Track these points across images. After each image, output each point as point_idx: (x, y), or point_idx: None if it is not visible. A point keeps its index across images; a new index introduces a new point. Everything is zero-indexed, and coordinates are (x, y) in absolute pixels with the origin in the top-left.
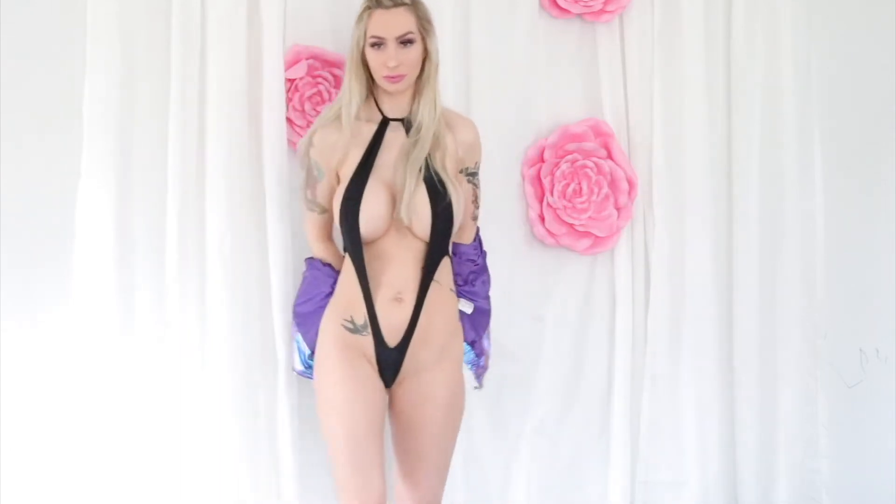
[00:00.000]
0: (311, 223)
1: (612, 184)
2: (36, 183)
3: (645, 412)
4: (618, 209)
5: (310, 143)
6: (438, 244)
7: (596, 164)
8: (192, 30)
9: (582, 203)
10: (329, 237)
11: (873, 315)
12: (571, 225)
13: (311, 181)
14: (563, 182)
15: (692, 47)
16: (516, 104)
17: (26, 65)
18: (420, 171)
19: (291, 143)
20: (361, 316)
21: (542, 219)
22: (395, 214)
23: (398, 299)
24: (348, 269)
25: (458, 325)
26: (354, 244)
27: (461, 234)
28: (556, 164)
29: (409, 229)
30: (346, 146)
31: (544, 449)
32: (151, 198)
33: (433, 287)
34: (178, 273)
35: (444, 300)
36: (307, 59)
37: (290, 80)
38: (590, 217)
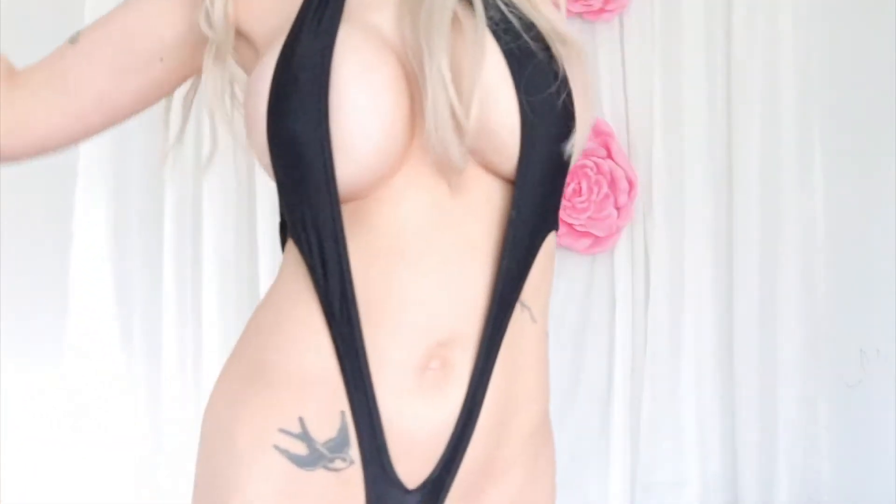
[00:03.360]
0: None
1: (612, 184)
2: (34, 183)
3: (645, 412)
4: (618, 209)
5: None
6: (537, 197)
7: (595, 163)
8: None
9: (581, 203)
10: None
11: (874, 315)
12: (571, 225)
13: None
14: None
15: (692, 47)
16: None
17: (23, 64)
18: (452, 8)
19: None
20: (332, 416)
21: None
22: (420, 119)
23: (440, 361)
24: (290, 284)
25: (549, 420)
26: (314, 201)
27: None
28: None
29: (472, 152)
30: None
31: None
32: (148, 198)
33: (517, 319)
34: (174, 274)
35: (535, 363)
36: None
37: None
38: (589, 217)
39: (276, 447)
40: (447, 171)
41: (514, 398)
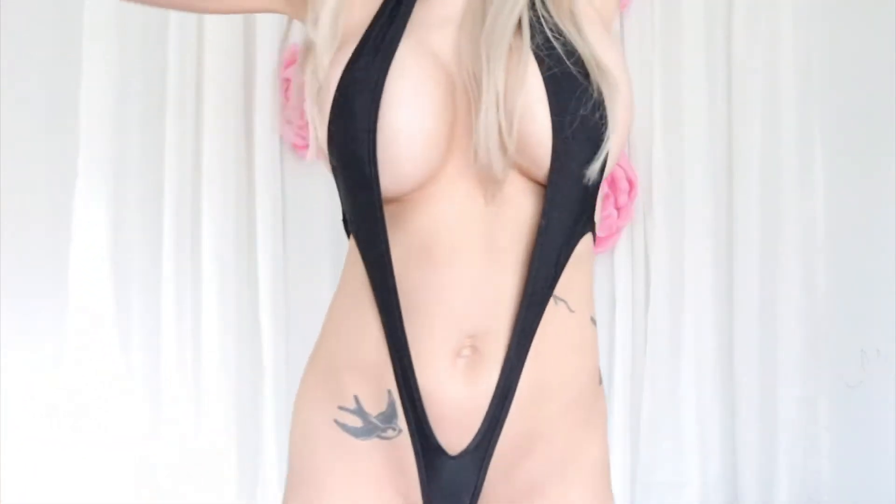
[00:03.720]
0: None
1: (612, 184)
2: (33, 182)
3: (645, 412)
4: (618, 209)
5: None
6: (566, 208)
7: None
8: (189, 29)
9: None
10: None
11: (874, 315)
12: None
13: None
14: None
15: (692, 47)
16: None
17: (23, 64)
18: (518, 31)
19: (296, 147)
20: (381, 394)
21: None
22: (461, 138)
23: (471, 350)
24: (351, 275)
25: (598, 393)
26: (363, 207)
27: None
28: None
29: (511, 165)
30: None
31: None
32: (148, 196)
33: (551, 311)
34: (174, 273)
35: (575, 347)
36: None
37: (289, 80)
38: None
39: (336, 422)
40: (488, 182)
41: (551, 377)
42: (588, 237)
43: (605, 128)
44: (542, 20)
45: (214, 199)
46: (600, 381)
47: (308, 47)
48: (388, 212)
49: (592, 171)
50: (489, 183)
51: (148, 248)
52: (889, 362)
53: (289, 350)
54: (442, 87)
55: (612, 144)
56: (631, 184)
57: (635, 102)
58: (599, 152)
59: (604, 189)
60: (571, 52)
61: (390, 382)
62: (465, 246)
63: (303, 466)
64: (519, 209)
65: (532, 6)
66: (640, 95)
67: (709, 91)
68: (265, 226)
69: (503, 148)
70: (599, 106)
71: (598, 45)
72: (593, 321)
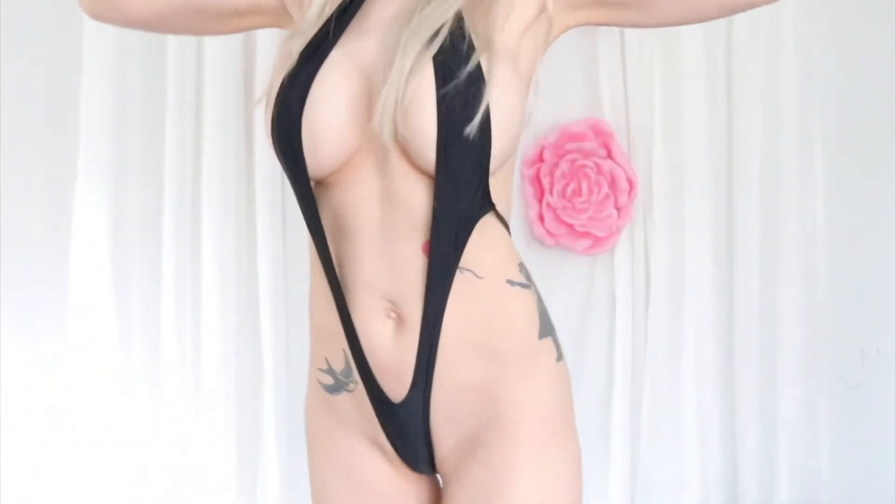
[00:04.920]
0: None
1: (612, 184)
2: (33, 182)
3: (645, 412)
4: (618, 209)
5: None
6: (457, 190)
7: (596, 163)
8: None
9: (582, 203)
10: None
11: (874, 315)
12: (571, 225)
13: None
14: (563, 182)
15: (692, 47)
16: None
17: (23, 64)
18: (429, 40)
19: None
20: (339, 353)
21: (542, 219)
22: (372, 125)
23: (393, 313)
24: (312, 254)
25: (540, 347)
26: (299, 189)
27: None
28: (556, 164)
29: (402, 148)
30: None
31: None
32: (148, 196)
33: (459, 281)
34: (174, 273)
35: (492, 308)
36: None
37: None
38: (589, 217)
39: (318, 381)
40: (386, 161)
41: (473, 337)
42: (489, 218)
43: (488, 133)
44: (461, 28)
45: (214, 199)
46: (543, 336)
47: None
48: (317, 191)
49: (488, 163)
50: (385, 163)
51: (148, 247)
52: (889, 362)
53: (289, 350)
54: (356, 88)
55: (495, 147)
56: (631, 184)
57: (634, 102)
58: (488, 152)
59: (604, 189)
60: (468, 56)
61: (344, 343)
62: (369, 223)
63: (309, 425)
64: (418, 191)
65: (459, 24)
66: (640, 95)
67: (709, 91)
68: (265, 226)
69: (395, 117)
70: (477, 87)
71: (508, 55)
72: (512, 283)
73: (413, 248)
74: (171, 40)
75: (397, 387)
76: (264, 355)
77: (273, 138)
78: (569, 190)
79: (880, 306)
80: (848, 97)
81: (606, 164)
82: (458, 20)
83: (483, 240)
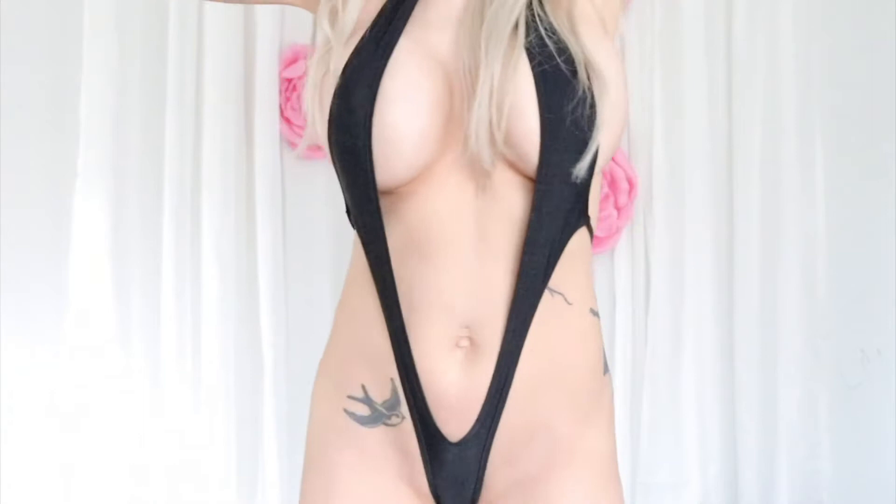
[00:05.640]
0: None
1: (612, 184)
2: (33, 182)
3: (645, 412)
4: (618, 209)
5: None
6: (561, 196)
7: None
8: (189, 29)
9: None
10: None
11: (875, 315)
12: None
13: None
14: None
15: (692, 47)
16: None
17: (23, 64)
18: (514, 30)
19: (291, 144)
20: (385, 382)
21: None
22: (454, 134)
23: (468, 341)
24: (356, 266)
25: (604, 383)
26: (361, 199)
27: None
28: None
29: (500, 157)
30: None
31: None
32: (148, 196)
33: (547, 304)
34: (173, 273)
35: (574, 338)
36: (305, 58)
37: (289, 80)
38: None
39: (346, 410)
40: (478, 174)
41: (550, 371)
42: (582, 232)
43: (594, 125)
44: (539, 19)
45: (214, 199)
46: (605, 371)
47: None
48: (384, 204)
49: (581, 168)
50: (479, 175)
51: (148, 247)
52: (889, 362)
53: (289, 350)
54: (438, 83)
55: (602, 142)
56: (631, 184)
57: (634, 102)
58: (587, 149)
59: (604, 189)
60: (563, 49)
61: (393, 371)
62: (456, 238)
63: (315, 455)
64: (510, 203)
65: (530, 5)
66: (640, 95)
67: (709, 91)
68: (265, 226)
69: (492, 139)
70: (588, 104)
71: (591, 45)
72: (594, 313)
73: (506, 267)
74: (172, 40)
75: (457, 424)
76: (264, 354)
77: (332, 142)
78: None
79: (880, 306)
80: (848, 97)
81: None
82: (536, 7)
83: (575, 258)
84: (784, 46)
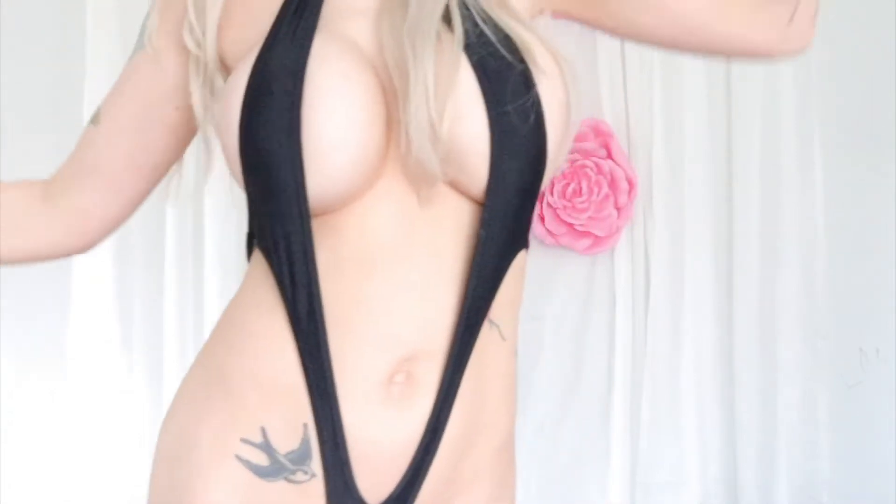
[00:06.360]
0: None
1: (612, 184)
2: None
3: (645, 412)
4: (618, 209)
5: None
6: (507, 217)
7: (596, 163)
8: None
9: (582, 203)
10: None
11: (874, 315)
12: (571, 225)
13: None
14: (563, 182)
15: None
16: None
17: (26, 63)
18: (443, 24)
19: None
20: (294, 427)
21: (542, 218)
22: (394, 138)
23: (405, 376)
24: (262, 289)
25: (513, 447)
26: (282, 211)
27: None
28: None
29: (444, 171)
30: None
31: (544, 449)
32: (150, 197)
33: (485, 337)
34: (176, 273)
35: (503, 383)
36: None
37: None
38: (590, 217)
39: (238, 457)
40: (421, 181)
41: (480, 414)
42: (523, 254)
43: (544, 125)
44: (469, 7)
45: (217, 200)
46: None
47: (192, 60)
48: (315, 222)
49: (534, 176)
50: (423, 183)
51: (150, 248)
52: (889, 362)
53: None
54: (368, 77)
55: (552, 145)
56: (631, 184)
57: (634, 102)
58: (541, 154)
59: (604, 189)
60: (504, 38)
61: (306, 415)
62: (402, 259)
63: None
64: (459, 218)
65: None
66: (640, 95)
67: (709, 91)
68: None
69: (435, 142)
70: (537, 101)
71: (533, 32)
72: (516, 355)
73: (452, 289)
74: None
75: (381, 483)
76: None
77: (243, 152)
78: (569, 190)
79: (880, 306)
80: (848, 97)
81: (606, 164)
82: None
83: (515, 282)
84: None
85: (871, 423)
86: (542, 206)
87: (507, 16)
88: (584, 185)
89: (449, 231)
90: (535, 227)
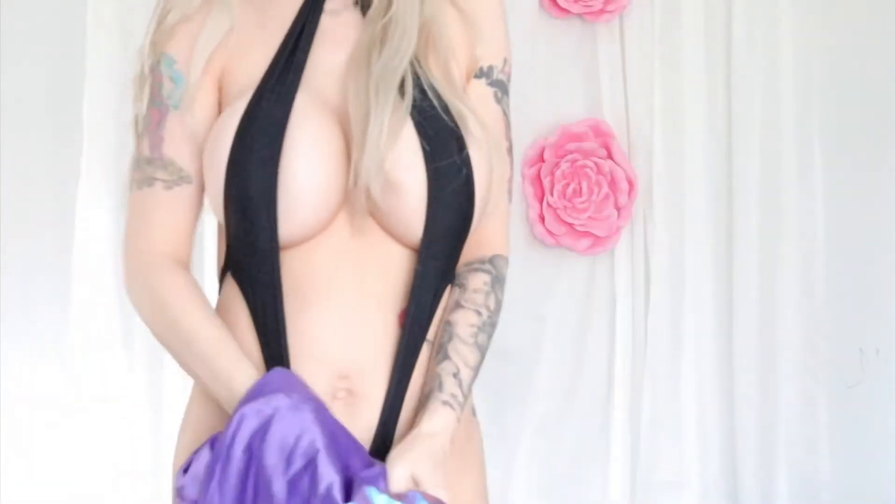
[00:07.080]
0: (148, 216)
1: (612, 184)
2: (36, 183)
3: (645, 412)
4: (618, 209)
5: (155, 30)
6: (439, 256)
7: (596, 164)
8: None
9: (582, 203)
10: (187, 259)
11: (873, 315)
12: (571, 225)
13: (151, 116)
14: (563, 182)
15: (692, 47)
16: (516, 104)
17: (27, 64)
18: (398, 89)
19: None
20: None
21: (542, 219)
22: (350, 184)
23: (346, 392)
24: (234, 312)
25: (473, 425)
26: (260, 251)
27: (481, 233)
28: (556, 164)
29: (379, 221)
30: (239, 35)
31: (544, 449)
32: None
33: (425, 354)
34: None
35: None
36: None
37: None
38: (590, 217)
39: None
40: (362, 219)
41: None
42: (449, 288)
43: (472, 187)
44: (419, 76)
45: None
46: (473, 413)
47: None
48: (285, 254)
49: (468, 227)
50: (363, 223)
51: None
52: (889, 362)
53: None
54: (337, 133)
55: (479, 201)
56: (631, 184)
57: (634, 102)
58: (472, 212)
59: (604, 189)
60: (444, 107)
61: None
62: (338, 288)
63: None
64: (394, 261)
65: (415, 62)
66: (641, 95)
67: (709, 91)
68: None
69: (379, 175)
70: (467, 161)
71: (467, 102)
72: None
73: (386, 317)
74: None
75: None
76: None
77: (229, 190)
78: (569, 190)
79: (880, 306)
80: (847, 97)
81: (606, 165)
82: (415, 63)
83: (445, 311)
84: (784, 46)
85: (871, 423)
86: (542, 207)
87: (450, 90)
88: (584, 185)
89: (392, 268)
90: (536, 228)
